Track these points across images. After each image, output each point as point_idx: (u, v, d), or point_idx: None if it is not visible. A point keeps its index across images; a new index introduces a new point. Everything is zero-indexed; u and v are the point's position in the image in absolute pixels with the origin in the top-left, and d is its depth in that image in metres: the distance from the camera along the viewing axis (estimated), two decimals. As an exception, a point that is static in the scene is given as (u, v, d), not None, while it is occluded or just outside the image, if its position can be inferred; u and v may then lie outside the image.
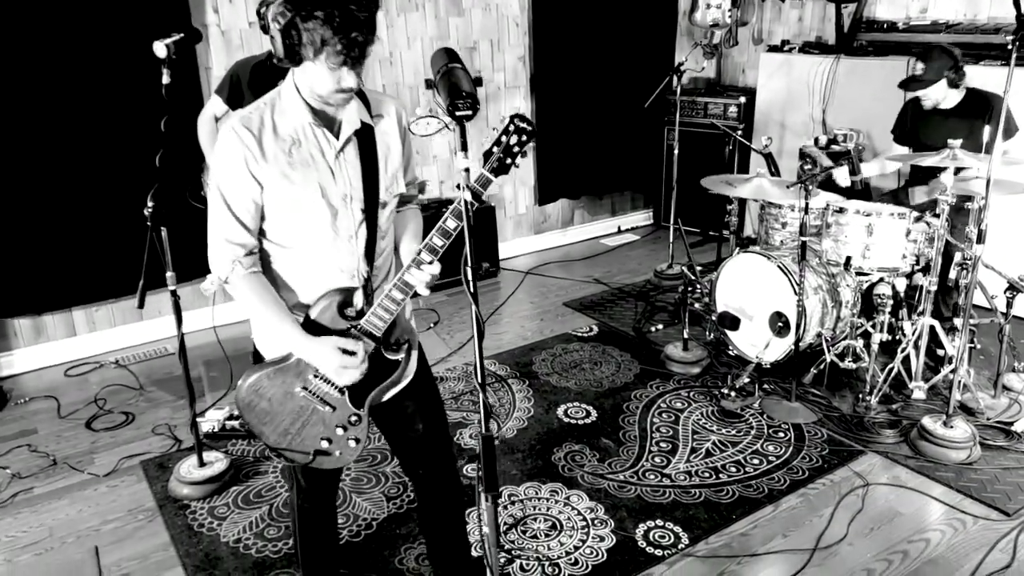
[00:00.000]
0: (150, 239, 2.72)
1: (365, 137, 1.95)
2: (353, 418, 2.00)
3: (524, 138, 1.80)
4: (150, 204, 2.71)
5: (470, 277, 1.60)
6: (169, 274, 2.83)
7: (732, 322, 3.84)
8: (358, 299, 2.00)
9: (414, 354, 2.11)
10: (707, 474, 3.11)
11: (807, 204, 3.36)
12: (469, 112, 1.62)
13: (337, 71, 1.75)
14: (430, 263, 1.88)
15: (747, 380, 3.68)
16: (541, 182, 5.62)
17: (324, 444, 2.00)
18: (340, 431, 1.99)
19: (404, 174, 2.10)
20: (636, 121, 5.78)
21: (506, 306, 4.81)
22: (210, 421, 3.41)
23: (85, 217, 3.97)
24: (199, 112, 3.38)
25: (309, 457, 2.01)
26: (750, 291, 3.87)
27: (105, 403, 3.72)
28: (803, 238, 3.41)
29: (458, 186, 1.72)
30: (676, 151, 5.17)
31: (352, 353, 1.91)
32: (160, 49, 2.72)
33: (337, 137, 1.90)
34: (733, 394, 3.61)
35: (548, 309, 4.74)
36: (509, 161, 1.80)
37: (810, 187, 3.36)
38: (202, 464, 3.07)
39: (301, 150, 1.87)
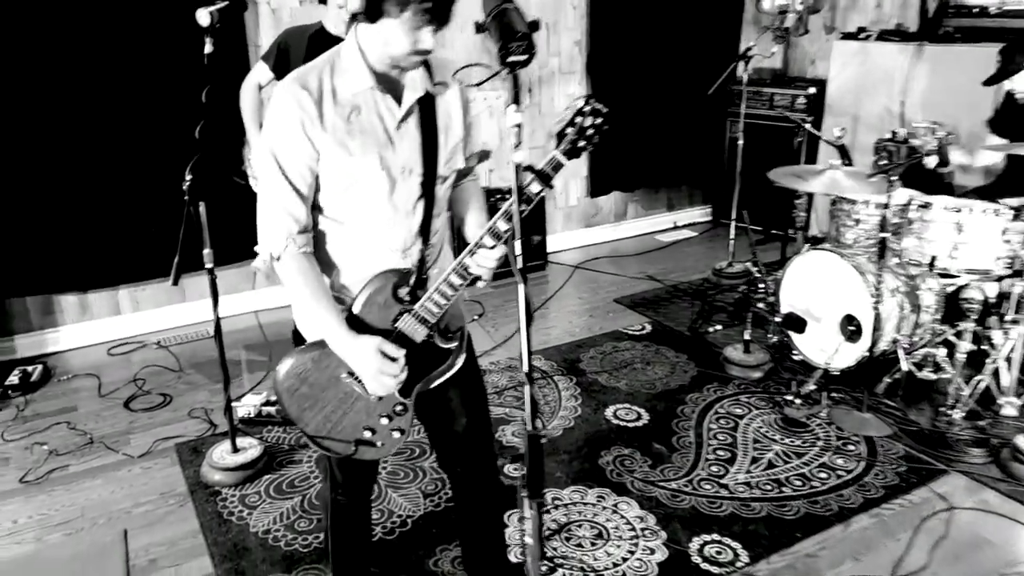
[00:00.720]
0: (187, 214, 2.61)
1: (426, 106, 1.81)
2: (399, 407, 1.85)
3: (600, 121, 1.65)
4: (188, 177, 2.61)
5: (518, 251, 1.41)
6: (206, 251, 2.73)
7: (798, 324, 3.57)
8: (412, 282, 1.86)
9: (465, 343, 1.95)
10: (769, 487, 2.87)
11: (889, 196, 3.08)
12: (524, 57, 1.44)
13: (417, 31, 1.60)
14: (492, 248, 1.72)
15: (813, 387, 3.42)
16: (594, 173, 5.41)
17: (367, 434, 1.86)
18: (384, 421, 1.86)
19: (464, 148, 1.95)
20: (696, 112, 5.52)
21: (554, 300, 4.62)
22: (246, 406, 3.31)
23: (133, 195, 3.92)
24: (242, 81, 3.28)
25: (351, 447, 1.87)
26: (819, 292, 3.59)
27: (144, 384, 3.66)
28: (883, 234, 3.13)
29: (523, 168, 1.55)
30: (741, 142, 4.89)
31: (392, 360, 1.76)
32: (203, 17, 2.62)
33: (399, 104, 1.76)
34: (798, 401, 3.35)
35: (598, 305, 4.53)
36: (583, 144, 1.65)
37: (893, 178, 3.08)
38: (235, 450, 2.96)
39: (361, 117, 1.73)
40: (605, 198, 5.57)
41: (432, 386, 1.90)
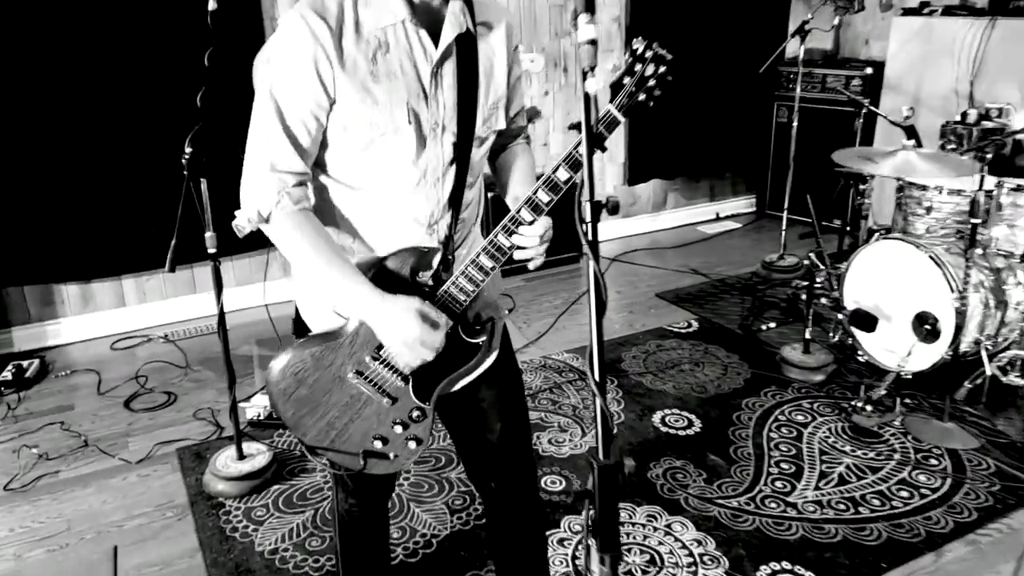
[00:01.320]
0: (186, 191, 2.31)
1: (466, 49, 1.48)
2: (415, 413, 1.54)
3: (664, 71, 1.38)
4: (188, 150, 2.31)
5: (588, 217, 1.08)
6: (208, 235, 2.43)
7: (867, 322, 3.19)
8: (436, 262, 1.54)
9: (497, 337, 1.62)
10: (843, 506, 2.51)
11: (982, 177, 2.70)
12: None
13: None
14: (531, 223, 1.41)
15: (884, 392, 3.04)
16: (632, 160, 5.05)
17: (377, 444, 1.55)
18: (398, 429, 1.54)
19: (508, 105, 1.62)
20: (741, 94, 5.14)
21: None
22: (255, 407, 3.01)
23: (140, 177, 3.63)
24: (255, 55, 2.97)
25: (359, 460, 1.56)
26: (888, 286, 3.22)
27: (147, 381, 3.38)
28: (974, 220, 2.75)
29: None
30: (795, 124, 4.51)
31: (435, 326, 1.44)
32: (207, -30, 2.31)
33: (435, 44, 1.43)
34: (869, 408, 2.98)
35: (638, 300, 4.18)
36: (643, 98, 1.39)
37: (986, 156, 2.70)
38: (241, 457, 2.66)
39: (389, 57, 1.40)
40: (643, 186, 5.21)
41: (456, 387, 1.59)
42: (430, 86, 1.44)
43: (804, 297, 3.40)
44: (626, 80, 1.40)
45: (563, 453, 2.81)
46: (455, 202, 1.54)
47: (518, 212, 1.43)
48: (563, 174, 1.41)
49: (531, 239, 1.45)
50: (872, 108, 3.94)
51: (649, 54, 1.37)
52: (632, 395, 3.20)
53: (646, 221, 5.29)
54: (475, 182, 1.61)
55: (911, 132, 3.74)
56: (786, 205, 4.47)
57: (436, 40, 1.43)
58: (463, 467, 1.91)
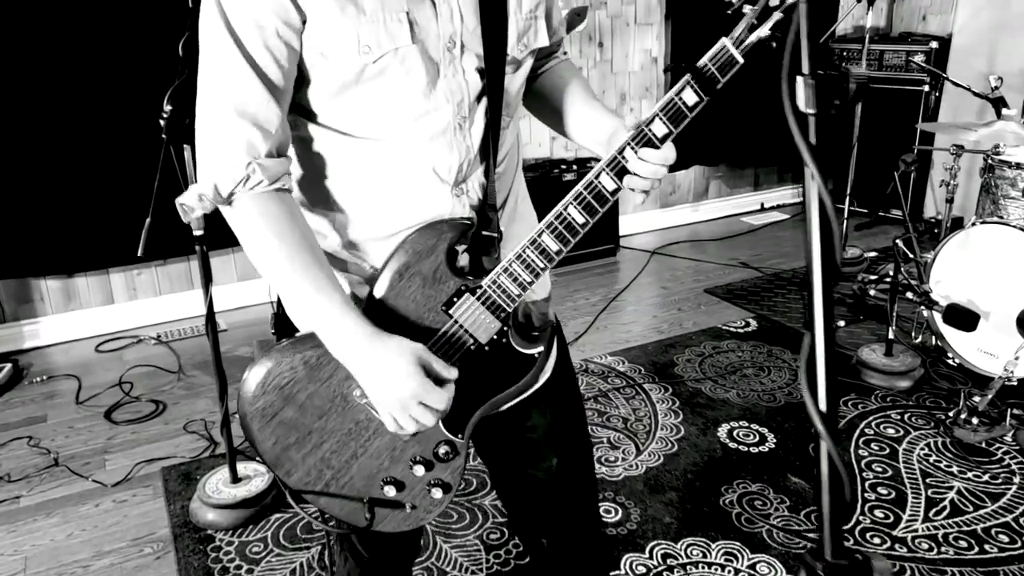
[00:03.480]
0: (164, 157, 1.89)
1: None
2: (443, 449, 1.14)
3: (791, 2, 0.98)
4: (167, 108, 1.89)
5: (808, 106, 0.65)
6: (178, 200, 2.00)
7: (967, 320, 2.73)
8: (471, 238, 1.16)
9: (554, 341, 1.21)
10: (963, 543, 2.06)
11: None
12: None
13: None
14: (661, 142, 1.07)
15: (988, 402, 2.58)
16: (673, 143, 4.60)
17: (388, 491, 1.14)
18: (418, 470, 1.14)
19: (550, 13, 1.21)
20: (791, 73, 4.68)
21: (630, 291, 3.83)
22: (254, 419, 2.58)
23: (128, 160, 3.22)
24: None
25: (361, 512, 1.15)
26: (985, 279, 2.76)
27: (132, 388, 2.96)
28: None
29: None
30: (859, 106, 4.04)
31: (440, 382, 1.05)
32: None
33: None
34: (975, 421, 2.52)
35: (686, 297, 3.73)
36: (766, 34, 1.05)
37: None
38: (236, 480, 2.24)
39: None
40: (684, 173, 4.76)
41: (500, 410, 1.17)
42: None
43: (882, 291, 2.95)
44: (747, 8, 1.04)
45: (616, 475, 2.37)
46: (488, 150, 1.12)
47: (649, 125, 1.05)
48: (690, 96, 1.02)
49: (655, 166, 1.07)
50: (954, 81, 3.48)
51: None
52: (691, 405, 2.75)
53: (687, 212, 4.84)
54: (512, 120, 1.19)
55: (999, 104, 3.30)
56: (848, 191, 4.01)
57: None
58: (503, 508, 1.47)
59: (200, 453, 2.53)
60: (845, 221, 4.01)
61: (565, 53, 1.34)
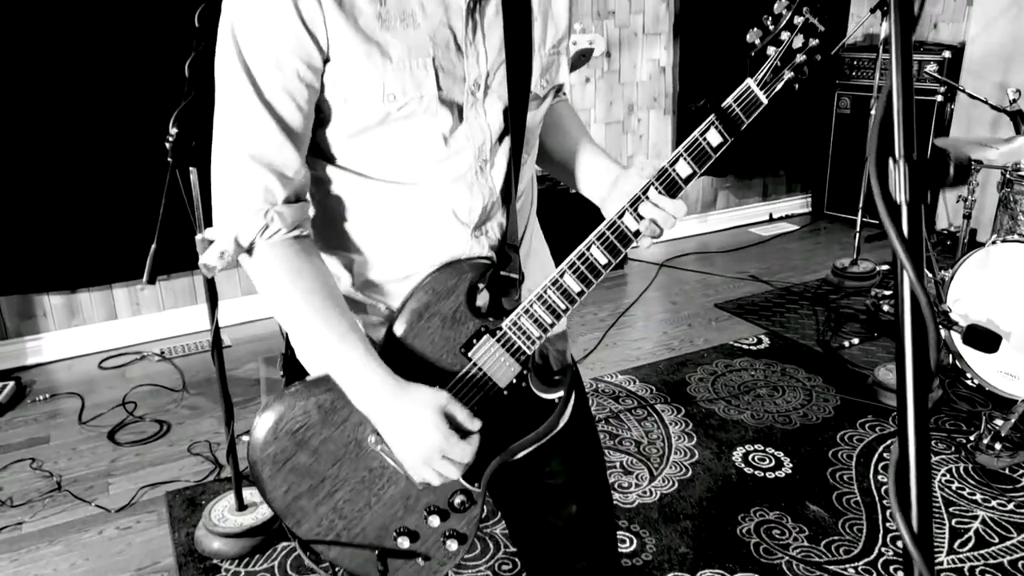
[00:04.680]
0: (170, 181, 1.84)
1: None
2: (459, 499, 1.11)
3: (815, 44, 1.09)
4: (173, 131, 1.84)
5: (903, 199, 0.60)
6: (199, 237, 1.95)
7: (987, 341, 2.68)
8: (489, 279, 1.13)
9: (572, 388, 1.18)
10: (989, 576, 2.00)
11: None
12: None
13: None
14: (686, 183, 1.09)
15: (1011, 426, 2.53)
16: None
17: (401, 541, 1.10)
18: (433, 520, 1.10)
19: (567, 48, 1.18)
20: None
21: (639, 305, 3.78)
22: (260, 442, 2.53)
23: (132, 175, 3.18)
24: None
25: (373, 565, 1.13)
26: (1005, 299, 2.71)
27: (136, 408, 2.91)
28: None
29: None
30: (874, 112, 3.98)
31: (463, 433, 1.02)
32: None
33: None
34: (999, 446, 2.47)
35: (696, 312, 3.68)
36: (789, 76, 1.09)
37: None
38: (242, 507, 2.19)
39: None
40: (691, 184, 4.69)
41: (518, 456, 1.13)
42: (465, 30, 0.98)
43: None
44: (771, 50, 1.08)
45: (630, 502, 2.31)
46: (510, 190, 1.08)
47: (673, 165, 1.07)
48: (714, 137, 1.02)
49: (665, 214, 1.07)
50: (970, 94, 3.42)
51: (798, 20, 1.07)
52: (704, 427, 2.70)
53: (694, 223, 4.78)
54: (531, 156, 1.17)
55: (1019, 117, 3.24)
56: (860, 204, 3.95)
57: None
58: (517, 557, 1.42)
59: (205, 477, 2.48)
60: (857, 234, 3.95)
61: (565, 94, 1.30)
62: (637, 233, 1.08)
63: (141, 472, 2.53)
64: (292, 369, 1.17)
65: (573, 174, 1.22)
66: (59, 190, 3.13)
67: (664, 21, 4.31)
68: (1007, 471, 2.43)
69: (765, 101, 1.10)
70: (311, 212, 1.06)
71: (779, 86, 1.11)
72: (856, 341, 3.29)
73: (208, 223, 1.91)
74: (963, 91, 3.51)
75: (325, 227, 1.10)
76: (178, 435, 2.74)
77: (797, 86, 1.13)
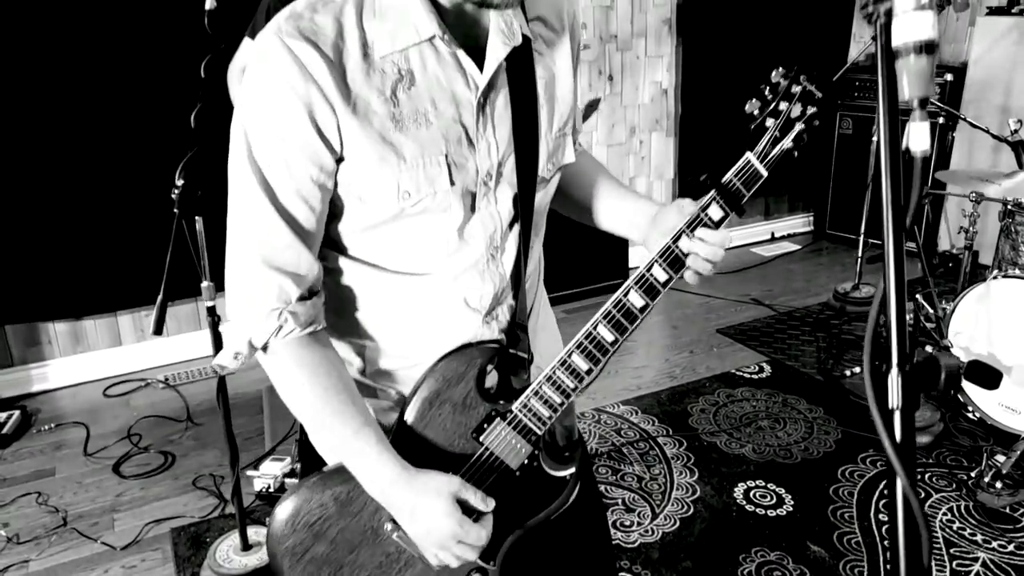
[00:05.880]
0: (176, 231, 1.86)
1: (519, 63, 1.03)
2: None
3: (812, 112, 1.10)
4: (179, 182, 1.86)
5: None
6: (205, 284, 1.98)
7: (988, 377, 2.67)
8: (498, 362, 1.15)
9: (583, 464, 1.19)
10: (989, 622, 2.02)
11: None
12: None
13: None
14: (718, 224, 1.10)
15: (1012, 463, 2.54)
16: (683, 175, 4.57)
17: None
18: None
19: (575, 126, 1.21)
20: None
21: (640, 330, 3.75)
22: (264, 477, 2.55)
23: (136, 204, 3.20)
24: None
25: None
26: (1007, 333, 2.72)
27: (140, 439, 2.93)
28: None
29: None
30: (878, 135, 3.99)
31: (476, 515, 1.05)
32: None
33: (481, 67, 0.99)
34: (999, 485, 2.48)
35: (698, 338, 3.69)
36: (789, 146, 1.10)
37: None
38: (247, 547, 2.21)
39: (415, 92, 0.96)
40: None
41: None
42: (475, 124, 1.00)
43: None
44: (769, 122, 1.09)
45: (632, 541, 2.33)
46: (518, 273, 1.09)
47: (676, 242, 1.07)
48: (715, 212, 1.10)
49: (713, 247, 1.08)
50: (972, 123, 3.43)
51: (796, 90, 1.08)
52: (705, 461, 2.71)
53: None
54: (539, 236, 1.18)
55: (1020, 147, 3.25)
56: (863, 228, 3.96)
57: (476, 58, 0.98)
58: None
59: (210, 512, 2.50)
60: (860, 259, 3.96)
61: (580, 144, 1.31)
62: (643, 310, 1.09)
63: (146, 507, 2.54)
64: (307, 454, 1.19)
65: (607, 217, 1.24)
66: (63, 219, 3.15)
67: (666, 43, 4.32)
68: (1007, 510, 2.44)
69: (765, 174, 1.11)
70: (322, 308, 1.07)
71: (779, 156, 1.11)
72: (857, 370, 3.30)
73: (213, 270, 1.94)
74: (964, 120, 3.53)
75: (337, 314, 1.11)
76: (183, 467, 2.76)
77: (796, 153, 1.15)
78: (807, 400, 3.09)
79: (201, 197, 1.89)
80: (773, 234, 5.04)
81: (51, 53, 2.99)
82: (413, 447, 1.06)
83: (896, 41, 0.60)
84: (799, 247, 4.89)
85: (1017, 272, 2.78)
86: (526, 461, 1.10)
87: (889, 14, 0.60)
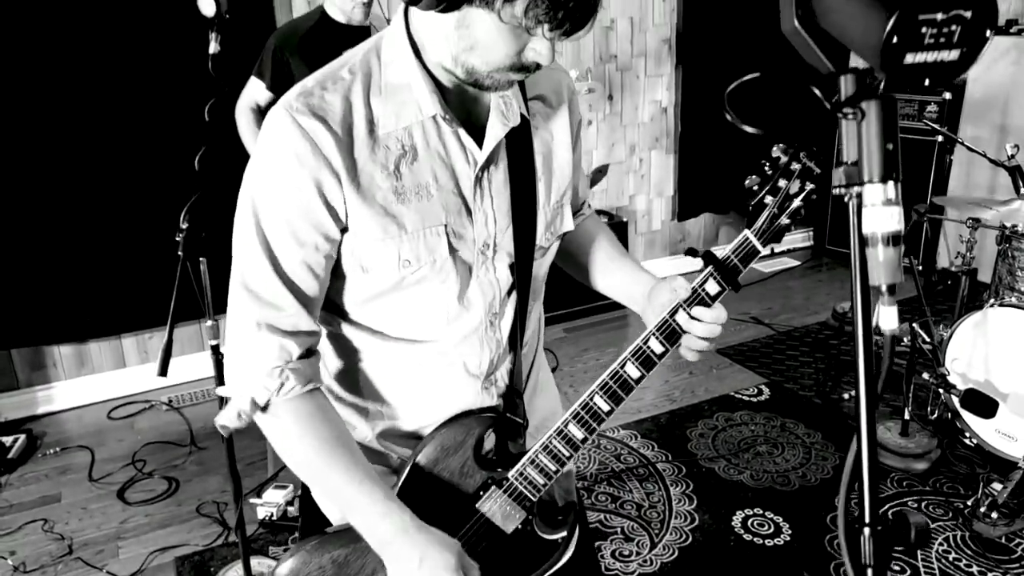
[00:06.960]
0: (181, 273, 1.89)
1: (517, 139, 1.07)
2: None
3: (810, 188, 1.11)
4: (184, 225, 1.89)
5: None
6: (209, 323, 2.01)
7: (985, 406, 2.71)
8: (496, 428, 1.19)
9: (576, 526, 1.22)
10: (983, 656, 2.04)
11: None
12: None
13: (532, 35, 0.88)
14: (714, 300, 1.13)
15: (1008, 492, 2.56)
16: (683, 192, 4.60)
17: None
18: None
19: (576, 194, 1.26)
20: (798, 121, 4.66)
21: (641, 349, 3.80)
22: (268, 505, 2.59)
23: (139, 228, 3.23)
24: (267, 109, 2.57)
25: None
26: (1004, 360, 2.74)
27: (145, 465, 2.96)
28: None
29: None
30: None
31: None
32: (207, 6, 1.90)
33: (480, 143, 1.02)
34: (995, 515, 2.50)
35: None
36: (787, 222, 1.13)
37: None
38: (250, 578, 2.24)
39: (417, 167, 1.00)
40: (694, 221, 4.75)
41: None
42: (473, 196, 1.03)
43: (902, 371, 2.93)
44: (768, 199, 1.12)
45: (631, 572, 2.35)
46: (516, 339, 1.12)
47: (673, 316, 1.10)
48: (713, 287, 1.12)
49: (710, 325, 1.10)
50: (970, 147, 3.44)
51: (795, 167, 1.10)
52: (705, 488, 2.74)
53: (696, 260, 4.82)
54: (538, 301, 1.21)
55: (1017, 174, 3.27)
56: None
57: (477, 134, 1.02)
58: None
59: (213, 540, 2.53)
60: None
61: (589, 206, 1.35)
62: (639, 380, 1.12)
63: (150, 535, 2.57)
64: (308, 508, 1.22)
65: (605, 287, 1.28)
66: (68, 245, 3.18)
67: (666, 63, 4.35)
68: (1003, 540, 2.46)
69: (762, 250, 1.15)
70: (323, 363, 1.10)
71: (775, 232, 1.14)
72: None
73: (216, 309, 1.96)
74: (962, 143, 3.55)
75: (339, 379, 1.14)
76: (187, 493, 2.79)
77: (793, 227, 1.18)
78: (805, 424, 3.11)
79: (205, 239, 1.91)
80: (773, 249, 5.05)
81: (62, 90, 3.02)
82: (411, 511, 1.08)
83: (866, 229, 0.63)
84: (798, 263, 4.92)
85: (1014, 300, 2.80)
86: (520, 525, 1.13)
87: (860, 198, 0.63)
